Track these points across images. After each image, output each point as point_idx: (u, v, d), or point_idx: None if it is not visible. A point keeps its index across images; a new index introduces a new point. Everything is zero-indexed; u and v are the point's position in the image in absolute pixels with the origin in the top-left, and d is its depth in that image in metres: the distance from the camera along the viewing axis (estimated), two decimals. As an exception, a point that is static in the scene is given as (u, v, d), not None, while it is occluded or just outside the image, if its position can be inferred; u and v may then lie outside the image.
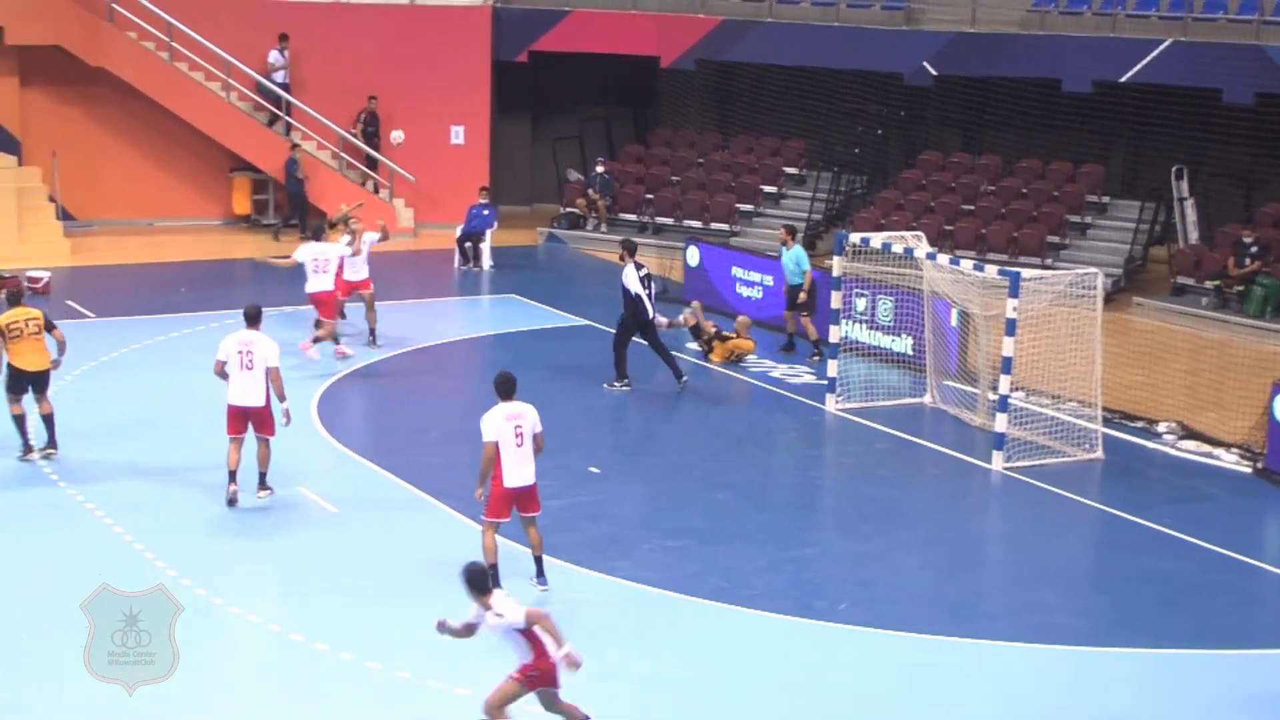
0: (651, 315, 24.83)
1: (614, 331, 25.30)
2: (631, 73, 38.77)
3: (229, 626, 16.01)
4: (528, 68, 38.29)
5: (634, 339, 25.00)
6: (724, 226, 35.41)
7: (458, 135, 37.68)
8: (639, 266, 24.94)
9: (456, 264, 33.89)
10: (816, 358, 26.10)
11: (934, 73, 34.39)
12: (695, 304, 27.62)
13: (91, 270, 32.02)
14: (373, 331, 26.76)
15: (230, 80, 35.50)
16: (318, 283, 25.26)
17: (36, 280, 29.88)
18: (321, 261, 25.32)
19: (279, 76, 36.51)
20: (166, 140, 36.10)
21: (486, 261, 33.73)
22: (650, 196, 37.02)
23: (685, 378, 24.94)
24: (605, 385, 24.88)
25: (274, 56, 36.46)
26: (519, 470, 16.26)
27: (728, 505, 20.15)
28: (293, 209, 36.11)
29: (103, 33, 34.71)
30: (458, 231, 34.29)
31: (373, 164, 36.88)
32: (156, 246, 34.34)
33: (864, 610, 16.84)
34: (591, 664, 12.96)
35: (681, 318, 26.98)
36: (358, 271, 26.42)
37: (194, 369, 23.44)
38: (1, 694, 14.28)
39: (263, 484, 18.99)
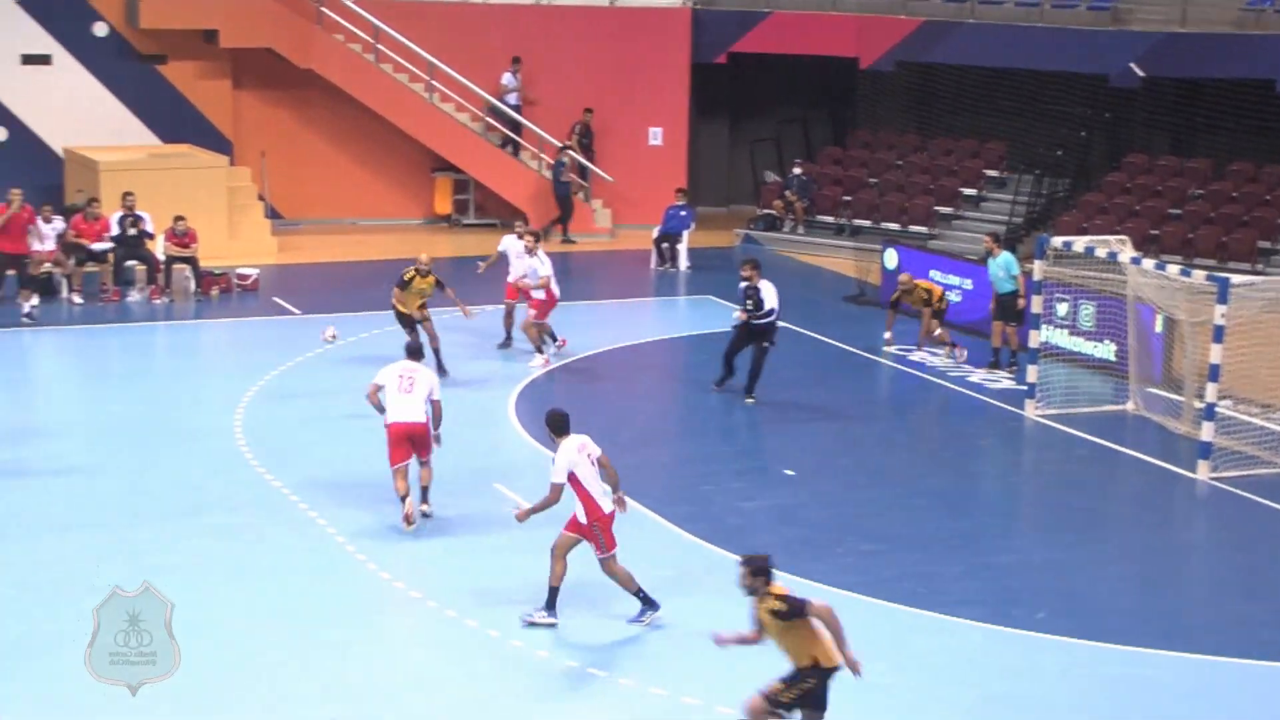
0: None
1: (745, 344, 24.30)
2: (830, 74, 38.58)
3: (428, 620, 16.20)
4: (727, 69, 38.23)
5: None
6: (923, 229, 35.05)
7: (656, 137, 37.74)
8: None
9: (653, 264, 33.94)
10: (1014, 367, 25.49)
11: (1141, 74, 33.73)
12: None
13: (297, 268, 32.58)
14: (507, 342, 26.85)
15: (434, 82, 35.88)
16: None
17: (245, 278, 30.50)
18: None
19: (511, 99, 36.84)
20: (371, 141, 36.60)
21: (683, 262, 33.73)
22: (848, 198, 36.79)
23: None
24: (712, 385, 24.61)
25: (507, 79, 36.78)
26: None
27: (925, 510, 19.94)
28: (560, 209, 36.37)
29: (312, 36, 35.29)
30: (655, 232, 34.35)
31: (583, 172, 37.09)
32: (360, 245, 34.84)
33: (1063, 620, 16.56)
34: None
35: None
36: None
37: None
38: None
39: (424, 499, 18.74)
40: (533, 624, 15.79)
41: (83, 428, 22.10)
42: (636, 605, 15.93)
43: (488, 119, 36.92)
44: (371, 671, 15.02)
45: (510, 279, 26.37)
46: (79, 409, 23.27)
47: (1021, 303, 25.85)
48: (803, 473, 21.10)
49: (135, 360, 21.29)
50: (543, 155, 36.65)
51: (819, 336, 28.16)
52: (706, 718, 14.17)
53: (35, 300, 27.77)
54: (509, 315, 26.53)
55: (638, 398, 25.17)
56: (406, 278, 24.37)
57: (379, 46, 35.58)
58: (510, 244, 26.61)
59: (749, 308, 23.87)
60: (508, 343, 26.61)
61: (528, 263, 25.61)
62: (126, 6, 34.48)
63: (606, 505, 15.83)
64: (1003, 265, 26.43)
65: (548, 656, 15.36)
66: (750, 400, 23.84)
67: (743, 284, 24.19)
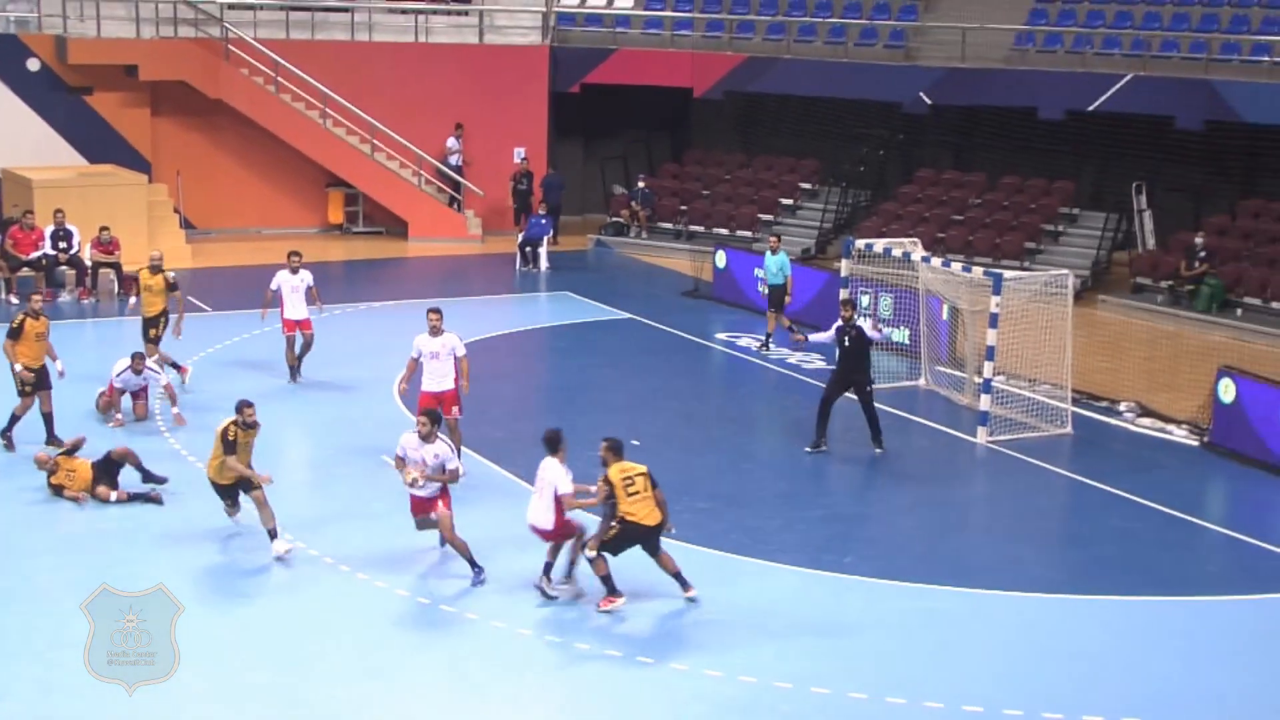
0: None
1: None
2: (668, 102, 38.69)
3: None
4: (580, 97, 38.23)
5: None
6: (748, 234, 35.29)
7: (519, 155, 37.62)
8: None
9: (518, 266, 33.87)
10: (800, 338, 23.92)
11: (929, 102, 34.23)
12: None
13: (209, 271, 32.08)
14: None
15: (327, 109, 35.49)
16: None
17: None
18: None
19: (454, 159, 36.63)
20: (272, 160, 36.12)
21: (544, 264, 33.71)
22: (685, 208, 36.94)
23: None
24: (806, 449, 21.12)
25: (450, 142, 36.56)
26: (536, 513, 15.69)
27: (751, 474, 20.29)
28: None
29: (220, 70, 34.75)
30: (519, 238, 34.27)
31: (455, 185, 36.90)
32: (263, 251, 34.30)
33: (866, 563, 16.85)
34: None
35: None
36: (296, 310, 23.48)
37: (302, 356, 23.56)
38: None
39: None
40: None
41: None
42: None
43: (427, 175, 36.72)
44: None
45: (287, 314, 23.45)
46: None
47: (788, 298, 26.62)
48: (648, 441, 21.07)
49: (65, 353, 20.81)
50: (422, 172, 36.49)
51: (660, 326, 28.29)
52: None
53: None
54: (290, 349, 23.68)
55: (507, 379, 25.06)
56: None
57: (279, 79, 35.14)
58: (284, 278, 23.52)
59: (846, 344, 20.77)
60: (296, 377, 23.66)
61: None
62: (56, 44, 33.76)
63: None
64: (779, 263, 26.74)
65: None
66: (880, 450, 20.99)
67: (838, 323, 21.02)
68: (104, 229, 29.18)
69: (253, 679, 13.72)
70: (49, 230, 29.08)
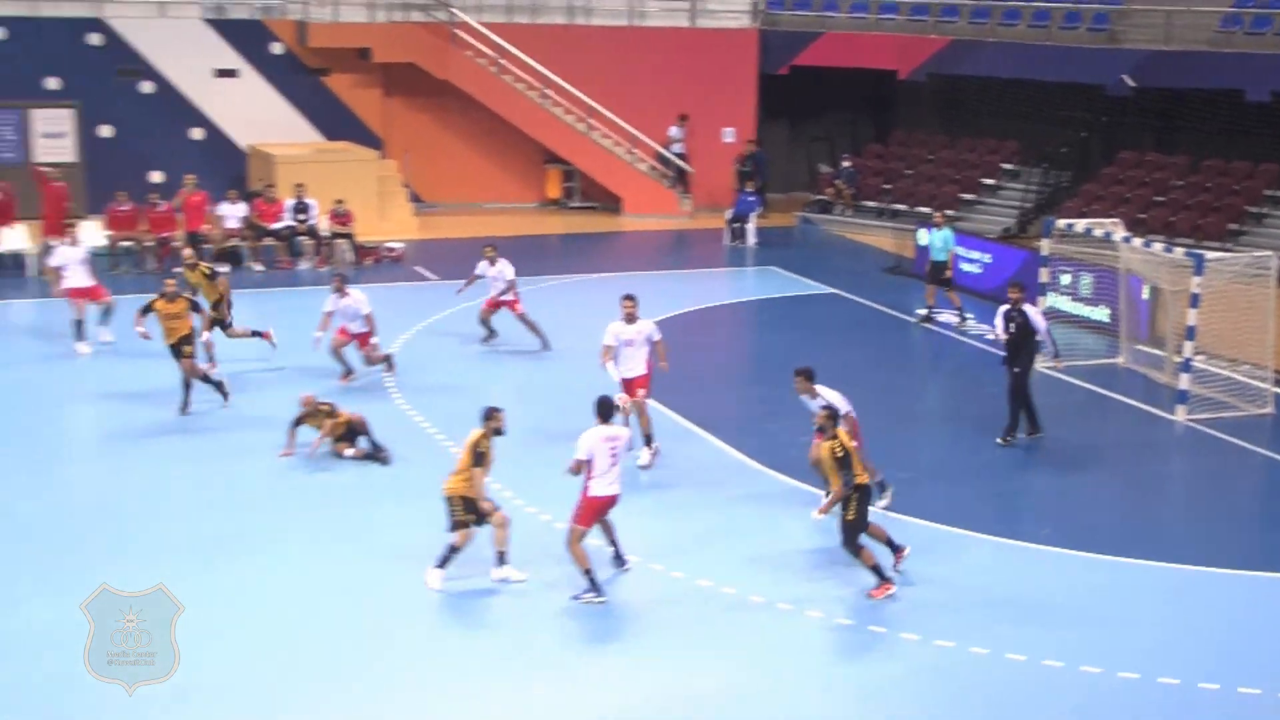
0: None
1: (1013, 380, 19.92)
2: (873, 84, 38.48)
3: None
4: (788, 79, 38.23)
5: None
6: (950, 212, 34.91)
7: (729, 135, 37.79)
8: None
9: (726, 241, 34.08)
10: (961, 320, 25.37)
11: (1132, 84, 33.47)
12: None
13: (434, 242, 32.85)
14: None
15: (547, 90, 36.07)
16: None
17: (393, 250, 30.91)
18: None
19: (676, 148, 36.99)
20: (494, 138, 36.80)
21: (751, 239, 33.86)
22: (888, 186, 36.77)
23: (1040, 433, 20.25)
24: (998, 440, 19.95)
25: (673, 131, 36.95)
26: (610, 485, 14.63)
27: (949, 446, 20.14)
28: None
29: (448, 53, 35.54)
30: (728, 214, 34.49)
31: (678, 170, 37.27)
32: (485, 224, 35.09)
33: (1062, 535, 16.67)
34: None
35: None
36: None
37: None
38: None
39: (648, 442, 18.47)
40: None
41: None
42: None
43: (640, 153, 37.01)
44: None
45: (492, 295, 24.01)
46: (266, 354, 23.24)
47: (949, 272, 26.44)
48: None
49: (300, 319, 21.63)
50: (635, 150, 36.84)
51: (862, 300, 28.27)
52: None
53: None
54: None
55: (715, 350, 25.30)
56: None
57: (501, 61, 35.82)
58: (483, 268, 24.07)
59: (1011, 330, 19.62)
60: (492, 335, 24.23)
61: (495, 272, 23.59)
62: (298, 29, 34.89)
63: (598, 489, 14.57)
64: (944, 238, 26.45)
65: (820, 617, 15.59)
66: (1029, 437, 19.96)
67: (1005, 306, 19.82)
68: (339, 202, 30.17)
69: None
70: (289, 203, 30.15)
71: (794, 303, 28.46)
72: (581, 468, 14.48)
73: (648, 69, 37.11)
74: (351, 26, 35.03)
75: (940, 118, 39.28)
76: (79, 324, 23.30)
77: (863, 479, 14.70)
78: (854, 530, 14.65)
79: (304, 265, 29.96)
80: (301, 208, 30.13)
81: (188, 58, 34.13)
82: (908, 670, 13.41)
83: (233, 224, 29.82)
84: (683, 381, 21.09)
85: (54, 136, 33.50)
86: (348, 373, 21.80)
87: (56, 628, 13.44)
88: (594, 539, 14.98)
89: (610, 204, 37.24)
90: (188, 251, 23.78)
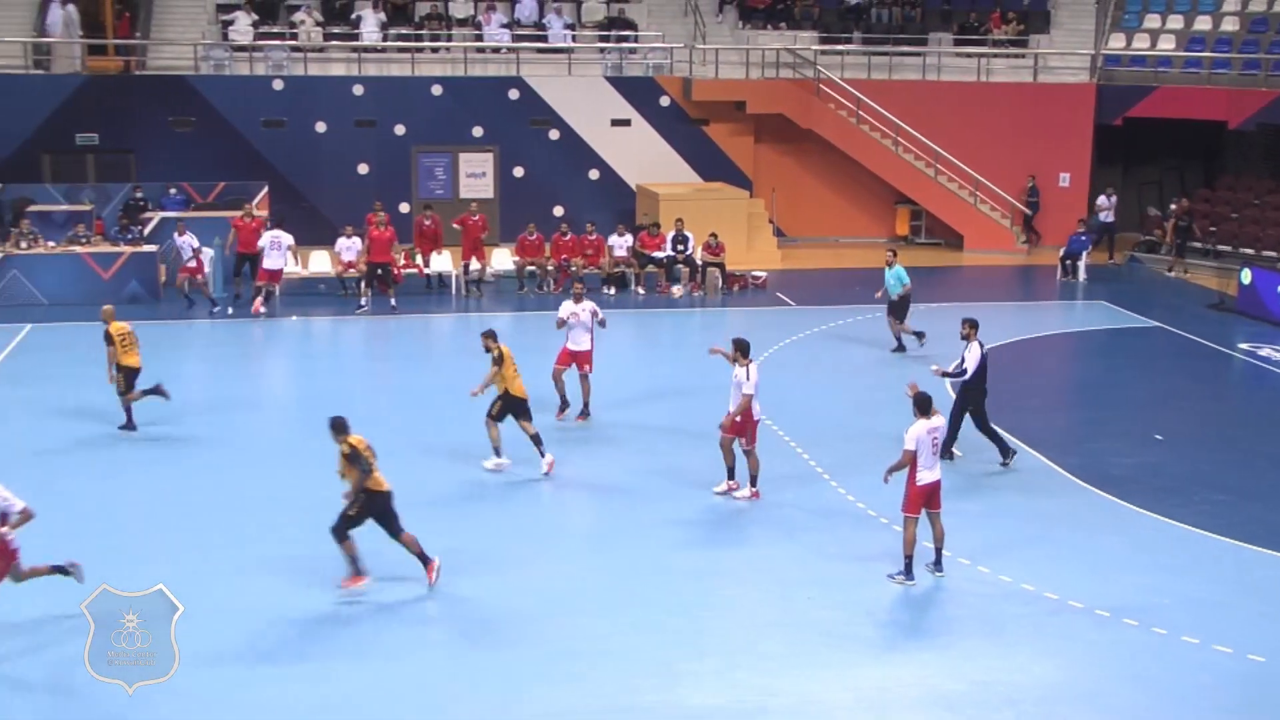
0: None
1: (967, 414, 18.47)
2: (1203, 133, 36.67)
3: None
4: (1121, 129, 36.84)
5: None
6: (1274, 254, 33.00)
7: (1064, 180, 36.68)
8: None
9: (1059, 277, 33.07)
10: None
11: None
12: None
13: (794, 272, 33.02)
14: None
15: (898, 138, 35.84)
16: None
17: (758, 278, 31.23)
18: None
19: (1105, 216, 34.86)
20: (850, 180, 36.76)
21: (1082, 275, 32.76)
22: (1214, 229, 34.94)
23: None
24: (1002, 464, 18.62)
25: (1101, 200, 35.03)
26: (933, 472, 14.52)
27: (1265, 470, 18.91)
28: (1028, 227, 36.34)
29: (812, 105, 35.72)
30: (1061, 252, 33.45)
31: (1026, 220, 36.57)
32: (840, 256, 35.19)
33: (1377, 563, 15.58)
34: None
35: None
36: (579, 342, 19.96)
37: (871, 345, 24.06)
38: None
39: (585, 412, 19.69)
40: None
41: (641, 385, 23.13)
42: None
43: (981, 195, 36.03)
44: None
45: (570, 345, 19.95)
46: (647, 370, 24.04)
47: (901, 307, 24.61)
48: (1169, 438, 20.41)
49: (679, 335, 22.17)
50: (976, 193, 36.16)
51: (1185, 334, 27.03)
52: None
53: (368, 296, 27.83)
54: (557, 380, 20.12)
55: (1044, 375, 24.69)
56: None
57: (860, 112, 35.77)
58: (567, 307, 19.89)
59: (954, 369, 18.35)
60: (566, 407, 20.11)
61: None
62: (684, 85, 35.70)
63: (923, 478, 14.42)
64: (894, 275, 24.62)
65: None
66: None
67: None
68: (713, 235, 30.71)
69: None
70: (670, 235, 30.88)
71: (1119, 334, 27.43)
72: (909, 459, 14.34)
73: (991, 119, 36.39)
74: (730, 83, 35.61)
75: (1269, 164, 37.08)
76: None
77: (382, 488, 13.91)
78: (349, 523, 13.82)
79: (679, 290, 30.54)
80: (681, 239, 30.81)
81: (589, 109, 35.34)
82: (1217, 680, 12.81)
83: (620, 253, 30.74)
84: (1016, 402, 20.77)
85: (476, 176, 35.31)
86: (563, 407, 19.95)
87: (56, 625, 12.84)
88: (924, 540, 14.87)
89: (953, 240, 36.67)
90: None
